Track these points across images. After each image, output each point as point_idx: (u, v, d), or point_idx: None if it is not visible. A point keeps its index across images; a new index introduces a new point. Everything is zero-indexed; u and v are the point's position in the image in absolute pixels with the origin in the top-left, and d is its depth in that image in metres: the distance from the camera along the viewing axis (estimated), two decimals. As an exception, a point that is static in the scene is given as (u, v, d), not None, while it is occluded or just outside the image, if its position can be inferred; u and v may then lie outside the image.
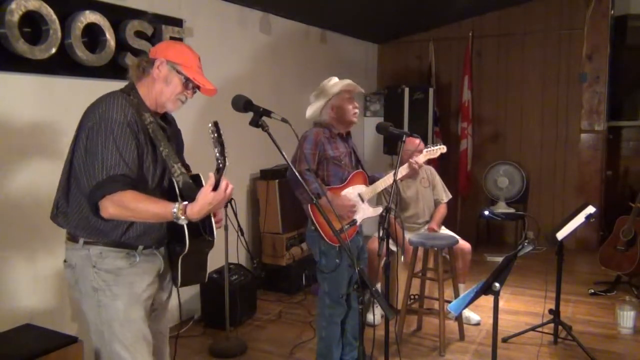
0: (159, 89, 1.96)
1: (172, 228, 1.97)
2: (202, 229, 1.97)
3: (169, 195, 1.98)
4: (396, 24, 6.26)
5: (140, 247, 1.97)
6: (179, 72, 1.95)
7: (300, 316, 4.18)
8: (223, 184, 1.78)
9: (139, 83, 1.98)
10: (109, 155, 1.80)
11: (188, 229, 1.91)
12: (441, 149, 3.24)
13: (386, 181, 3.05)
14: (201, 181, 2.04)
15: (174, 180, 1.96)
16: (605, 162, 6.06)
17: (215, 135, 1.74)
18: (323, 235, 2.89)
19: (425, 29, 6.61)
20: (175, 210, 1.79)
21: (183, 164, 2.06)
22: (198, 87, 2.00)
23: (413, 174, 3.19)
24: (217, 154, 1.75)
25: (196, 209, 1.78)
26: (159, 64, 1.95)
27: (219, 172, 1.77)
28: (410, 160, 3.11)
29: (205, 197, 1.77)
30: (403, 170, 3.11)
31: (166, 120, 2.09)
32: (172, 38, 3.70)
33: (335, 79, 3.07)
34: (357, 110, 3.02)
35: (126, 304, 1.94)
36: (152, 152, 1.94)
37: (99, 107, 1.86)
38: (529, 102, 6.28)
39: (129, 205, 1.80)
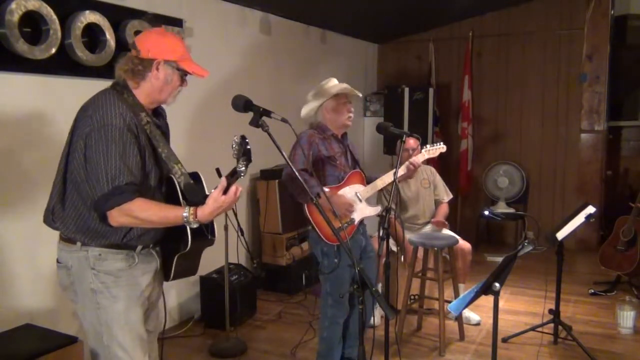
0: (158, 88, 1.93)
1: (172, 227, 1.96)
2: (204, 228, 1.97)
3: (169, 195, 1.97)
4: (396, 24, 6.25)
5: (139, 248, 1.96)
6: (178, 69, 1.93)
7: (300, 316, 4.18)
8: (233, 188, 1.80)
9: (131, 82, 1.93)
10: (112, 164, 1.77)
11: (190, 228, 1.91)
12: (441, 148, 3.22)
13: (385, 180, 3.04)
14: (200, 179, 2.05)
15: (175, 181, 1.95)
16: (605, 162, 6.06)
17: (241, 147, 1.77)
18: (321, 235, 2.90)
19: (425, 29, 6.60)
20: (186, 214, 1.80)
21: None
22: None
23: (410, 174, 3.18)
24: (241, 165, 1.77)
25: (207, 211, 1.80)
26: (157, 66, 1.90)
27: (233, 177, 1.80)
28: (409, 160, 3.10)
29: (217, 201, 1.79)
30: (400, 171, 3.10)
31: (158, 114, 2.07)
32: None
33: (333, 81, 3.06)
34: (351, 115, 3.01)
35: (126, 306, 1.93)
36: (152, 153, 1.92)
37: (96, 112, 1.82)
38: (529, 102, 6.28)
39: (139, 215, 1.80)
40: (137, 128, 1.86)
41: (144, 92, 1.94)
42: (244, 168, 1.77)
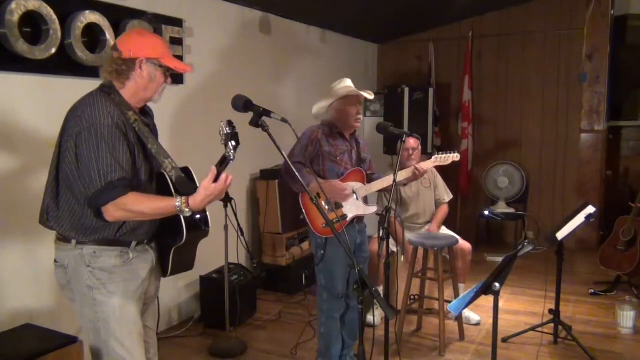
0: (143, 86, 1.97)
1: (166, 220, 1.99)
2: (198, 219, 2.00)
3: (161, 191, 2.01)
4: (396, 24, 6.25)
5: (134, 244, 1.99)
6: (160, 66, 1.98)
7: (300, 316, 4.18)
8: (223, 175, 1.85)
9: (117, 82, 1.96)
10: (103, 161, 1.81)
11: (184, 220, 1.96)
12: (454, 157, 3.09)
13: (384, 182, 3.04)
14: (191, 173, 2.08)
15: (167, 175, 1.98)
16: (605, 162, 6.06)
17: (229, 132, 1.80)
18: (310, 226, 2.94)
19: (425, 29, 6.60)
20: (178, 204, 1.84)
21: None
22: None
23: (414, 179, 3.16)
24: (230, 149, 1.80)
25: (199, 199, 1.84)
26: (140, 65, 1.94)
27: (222, 164, 1.83)
28: (416, 166, 3.07)
29: (207, 189, 1.84)
30: (405, 174, 3.08)
31: (145, 112, 2.10)
32: (172, 38, 3.70)
33: (346, 82, 3.08)
34: (359, 117, 3.05)
35: (122, 301, 1.96)
36: (141, 149, 1.96)
37: (85, 112, 1.86)
38: (529, 102, 6.28)
39: (133, 208, 1.84)
40: (126, 126, 1.90)
41: (130, 91, 1.97)
42: (232, 151, 1.80)
